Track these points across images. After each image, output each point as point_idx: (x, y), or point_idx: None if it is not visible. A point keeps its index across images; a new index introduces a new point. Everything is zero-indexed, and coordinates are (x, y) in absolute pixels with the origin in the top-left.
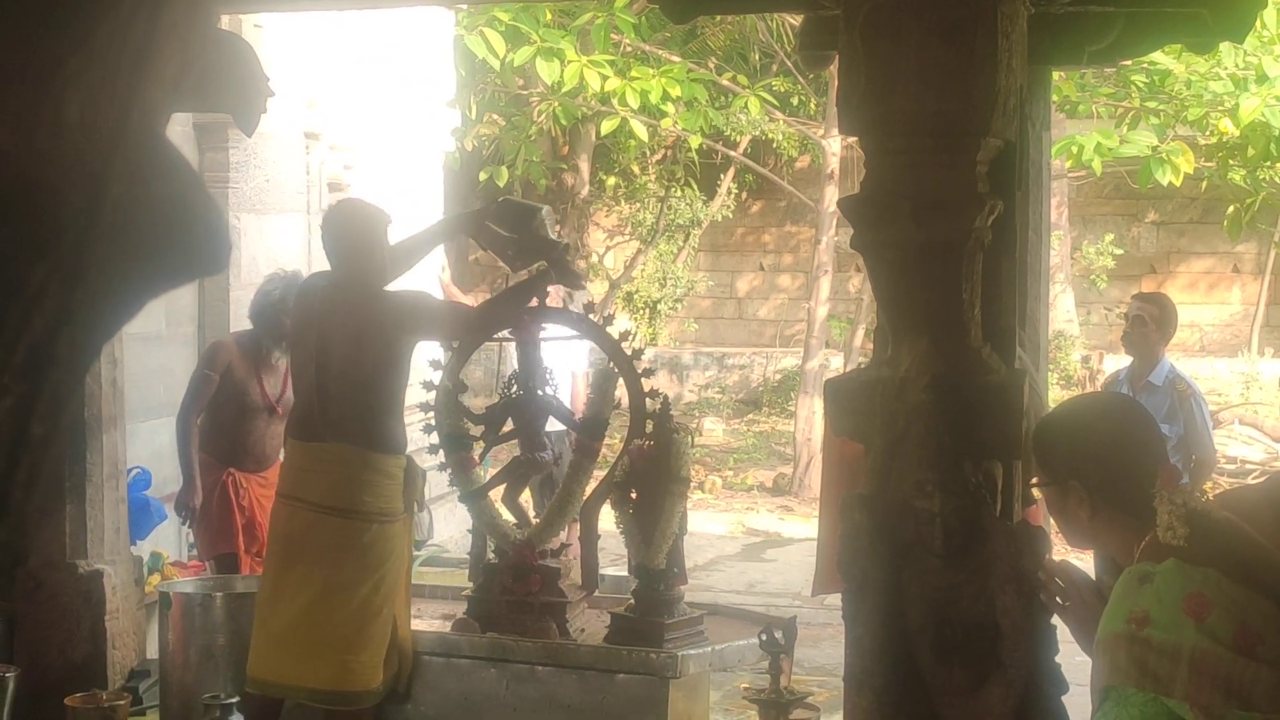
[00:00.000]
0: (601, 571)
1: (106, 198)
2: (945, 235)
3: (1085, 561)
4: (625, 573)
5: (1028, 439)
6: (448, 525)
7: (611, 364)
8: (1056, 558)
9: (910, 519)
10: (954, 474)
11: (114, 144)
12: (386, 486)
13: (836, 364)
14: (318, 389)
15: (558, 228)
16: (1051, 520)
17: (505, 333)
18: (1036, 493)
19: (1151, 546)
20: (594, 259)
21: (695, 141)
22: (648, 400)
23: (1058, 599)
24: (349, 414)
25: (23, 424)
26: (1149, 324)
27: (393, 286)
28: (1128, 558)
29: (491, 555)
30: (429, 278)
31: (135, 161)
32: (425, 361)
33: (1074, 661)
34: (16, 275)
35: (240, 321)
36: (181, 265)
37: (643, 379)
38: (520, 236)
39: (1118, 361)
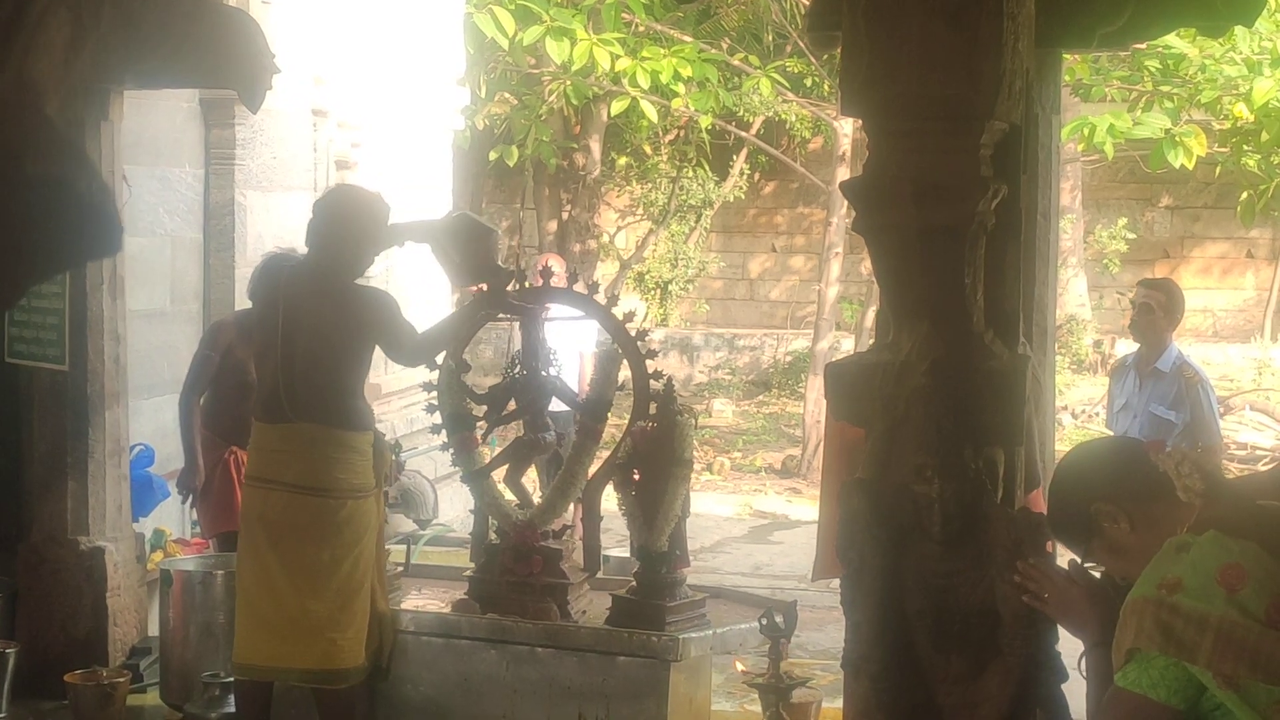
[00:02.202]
0: (604, 553)
1: None
2: (948, 219)
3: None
4: (628, 555)
5: (1029, 426)
6: (451, 505)
7: (615, 345)
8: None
9: (909, 504)
10: (954, 459)
11: None
12: (358, 463)
13: (847, 345)
14: (284, 372)
15: (507, 254)
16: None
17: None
18: (1094, 571)
19: (1197, 522)
20: (605, 239)
21: (706, 122)
22: (652, 381)
23: (1039, 596)
24: (317, 395)
25: None
26: (1156, 311)
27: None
28: None
29: (494, 536)
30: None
31: (9, 140)
32: None
33: (1076, 650)
34: None
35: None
36: (64, 249)
37: (647, 360)
38: (467, 256)
39: (1129, 346)
